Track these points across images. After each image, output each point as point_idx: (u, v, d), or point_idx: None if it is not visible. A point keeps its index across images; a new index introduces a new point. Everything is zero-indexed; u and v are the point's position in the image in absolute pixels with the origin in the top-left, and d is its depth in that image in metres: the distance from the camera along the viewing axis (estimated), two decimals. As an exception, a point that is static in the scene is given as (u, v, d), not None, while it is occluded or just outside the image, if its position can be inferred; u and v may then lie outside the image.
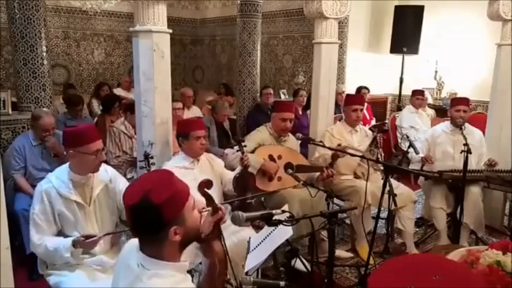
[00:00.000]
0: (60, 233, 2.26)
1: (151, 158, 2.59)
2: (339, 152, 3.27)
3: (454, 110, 3.73)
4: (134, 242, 1.48)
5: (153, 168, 2.59)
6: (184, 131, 2.89)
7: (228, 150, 3.71)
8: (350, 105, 3.72)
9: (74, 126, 2.27)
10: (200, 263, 1.64)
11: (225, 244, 1.59)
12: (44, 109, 3.65)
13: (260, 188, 3.19)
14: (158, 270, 1.34)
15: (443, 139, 3.79)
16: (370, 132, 3.79)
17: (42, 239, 2.18)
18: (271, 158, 3.34)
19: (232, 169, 3.17)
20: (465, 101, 3.82)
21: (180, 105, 4.89)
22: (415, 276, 0.98)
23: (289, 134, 3.62)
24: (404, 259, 1.15)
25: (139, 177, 1.56)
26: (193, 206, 1.42)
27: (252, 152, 3.33)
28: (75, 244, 2.12)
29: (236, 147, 3.09)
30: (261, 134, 3.53)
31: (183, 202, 1.38)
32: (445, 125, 3.89)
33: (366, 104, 6.04)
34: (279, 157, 3.37)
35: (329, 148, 3.35)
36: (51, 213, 2.21)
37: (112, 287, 1.50)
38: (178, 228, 1.35)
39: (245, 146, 3.07)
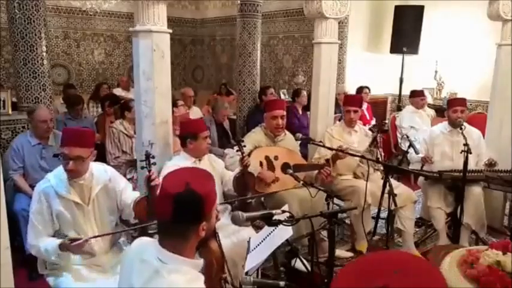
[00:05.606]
0: (59, 233, 2.26)
1: (153, 157, 2.58)
2: (339, 152, 3.26)
3: (452, 111, 3.73)
4: (145, 239, 1.48)
5: (154, 168, 2.58)
6: (192, 131, 2.91)
7: (228, 150, 3.71)
8: (344, 105, 3.78)
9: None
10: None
11: (221, 243, 1.59)
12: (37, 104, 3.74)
13: (259, 191, 3.19)
14: (177, 266, 1.34)
15: (441, 140, 3.79)
16: (370, 132, 3.80)
17: (37, 240, 2.19)
18: (267, 159, 3.32)
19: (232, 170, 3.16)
20: (462, 101, 3.82)
21: (182, 103, 4.99)
22: (377, 274, 0.98)
23: (286, 133, 3.60)
24: (367, 258, 1.15)
25: (176, 170, 1.52)
26: (215, 206, 1.44)
27: (248, 155, 3.32)
28: (61, 247, 2.11)
29: (236, 148, 3.09)
30: (255, 136, 3.51)
31: (215, 199, 1.41)
32: (443, 126, 3.88)
33: (366, 104, 6.05)
34: (276, 158, 3.35)
35: (329, 148, 3.35)
36: (48, 213, 2.22)
37: (121, 286, 1.48)
38: (206, 224, 1.36)
39: (245, 146, 3.07)
